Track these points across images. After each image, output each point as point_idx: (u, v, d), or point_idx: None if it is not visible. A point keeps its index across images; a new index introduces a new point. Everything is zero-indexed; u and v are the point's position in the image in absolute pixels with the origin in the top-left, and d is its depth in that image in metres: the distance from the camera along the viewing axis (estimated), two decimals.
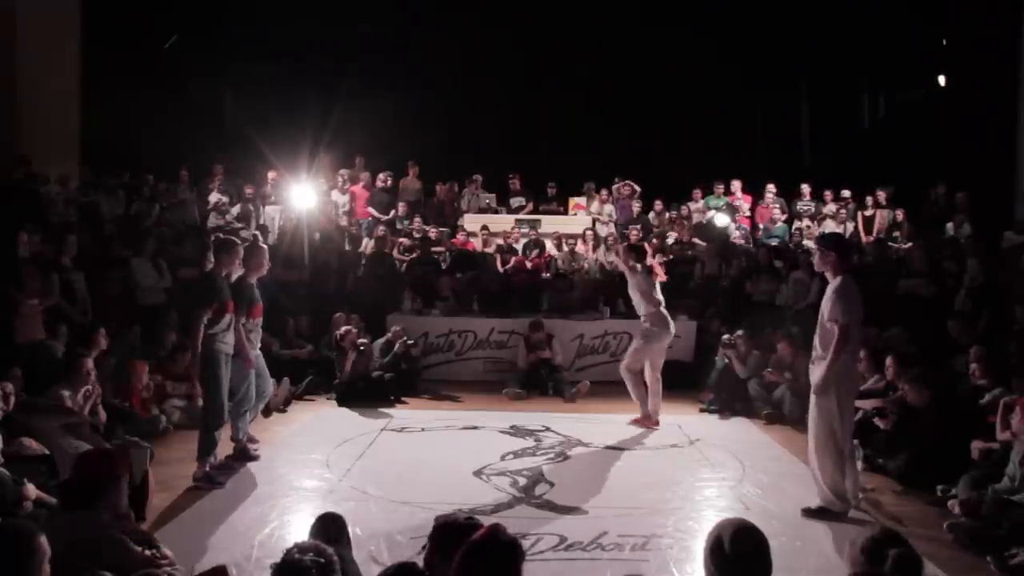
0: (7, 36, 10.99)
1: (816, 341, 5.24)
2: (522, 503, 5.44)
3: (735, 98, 14.93)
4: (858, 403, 6.11)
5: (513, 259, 11.56)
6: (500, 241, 12.03)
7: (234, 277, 6.27)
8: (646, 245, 8.97)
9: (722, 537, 2.49)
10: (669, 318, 7.61)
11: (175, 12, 14.10)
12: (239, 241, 6.26)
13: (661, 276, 7.77)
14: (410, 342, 9.19)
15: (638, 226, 12.13)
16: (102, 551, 3.36)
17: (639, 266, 7.61)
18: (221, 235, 7.18)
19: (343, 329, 8.74)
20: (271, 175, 12.41)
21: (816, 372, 5.18)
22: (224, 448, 6.15)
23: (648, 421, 7.60)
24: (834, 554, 4.53)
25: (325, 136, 12.92)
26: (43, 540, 2.75)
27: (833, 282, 5.17)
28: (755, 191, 13.08)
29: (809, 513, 5.21)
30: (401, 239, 11.93)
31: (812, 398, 5.21)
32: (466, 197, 13.41)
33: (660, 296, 7.61)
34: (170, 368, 7.64)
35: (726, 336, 8.71)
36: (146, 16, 13.62)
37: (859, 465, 5.41)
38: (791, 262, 10.52)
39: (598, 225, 12.76)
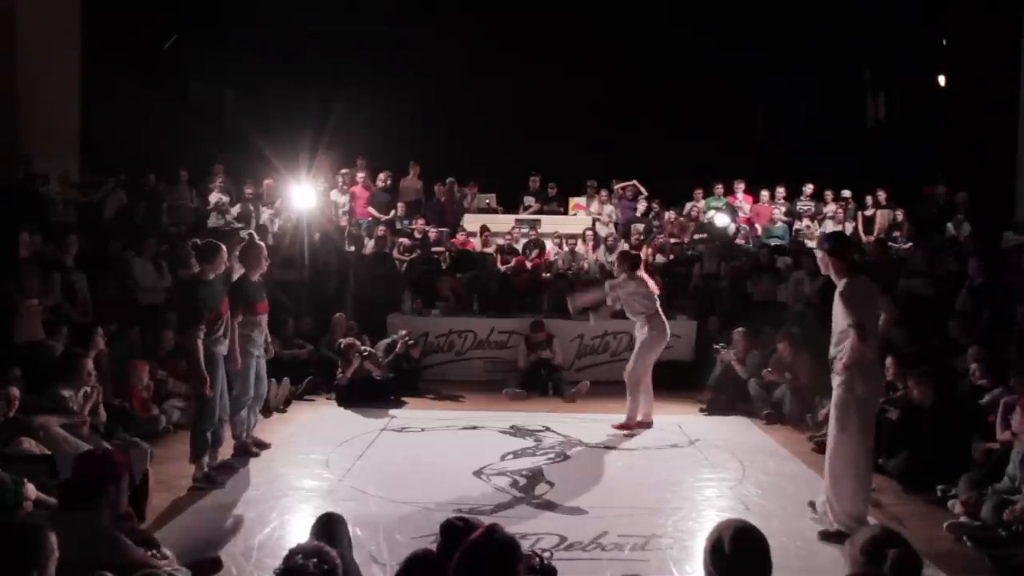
0: (7, 36, 10.96)
1: (833, 352, 4.88)
2: (522, 503, 5.44)
3: (736, 98, 14.91)
4: None
5: (513, 259, 11.56)
6: (500, 241, 12.03)
7: (235, 276, 6.27)
8: (642, 254, 8.83)
9: (722, 537, 2.48)
10: (666, 321, 7.59)
11: (175, 12, 14.09)
12: (221, 244, 6.00)
13: (654, 286, 7.63)
14: (411, 342, 9.19)
15: (641, 226, 12.13)
16: (102, 551, 3.36)
17: (634, 275, 7.49)
18: (199, 240, 6.80)
19: (346, 341, 8.74)
20: (267, 182, 12.39)
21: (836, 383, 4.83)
22: (226, 449, 6.17)
23: (639, 425, 7.48)
24: (833, 554, 4.53)
25: (325, 136, 12.91)
26: (52, 537, 2.76)
27: (839, 284, 4.82)
28: (755, 191, 13.08)
29: (826, 536, 4.80)
30: (401, 239, 11.94)
31: (834, 412, 4.85)
32: (456, 198, 13.38)
33: (656, 302, 7.54)
34: (170, 366, 7.64)
35: (717, 346, 8.73)
36: (146, 16, 13.61)
37: None
38: (792, 262, 10.51)
39: (598, 225, 12.74)
